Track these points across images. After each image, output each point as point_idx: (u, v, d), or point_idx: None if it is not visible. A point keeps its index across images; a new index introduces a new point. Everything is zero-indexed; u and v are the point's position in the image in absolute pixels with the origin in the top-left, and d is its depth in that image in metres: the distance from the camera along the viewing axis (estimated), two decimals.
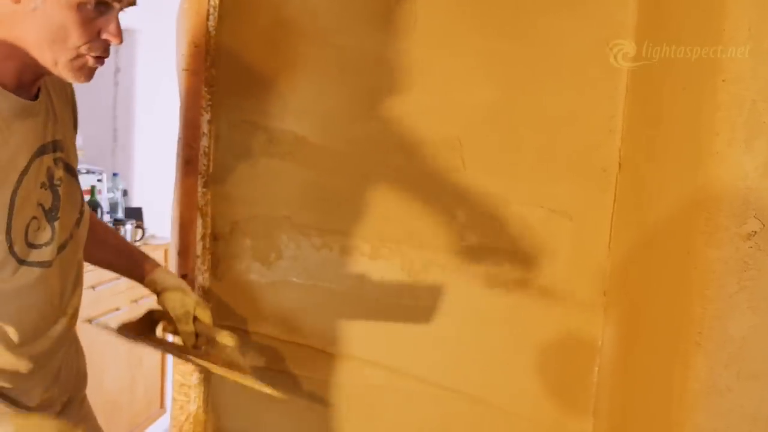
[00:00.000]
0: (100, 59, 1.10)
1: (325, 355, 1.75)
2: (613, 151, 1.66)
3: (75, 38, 1.05)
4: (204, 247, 1.69)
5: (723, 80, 1.14)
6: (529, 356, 1.72)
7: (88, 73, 1.11)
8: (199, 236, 1.68)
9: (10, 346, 1.14)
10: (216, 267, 1.73)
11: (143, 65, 4.17)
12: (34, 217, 1.13)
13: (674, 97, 1.36)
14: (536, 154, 1.68)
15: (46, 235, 1.15)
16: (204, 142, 1.68)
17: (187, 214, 1.69)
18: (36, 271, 1.15)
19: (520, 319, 1.72)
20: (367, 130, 1.69)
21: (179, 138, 1.71)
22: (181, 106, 1.72)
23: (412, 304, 1.74)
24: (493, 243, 1.70)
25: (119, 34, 1.10)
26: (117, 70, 4.17)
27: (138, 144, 4.24)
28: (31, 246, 1.13)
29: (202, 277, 1.69)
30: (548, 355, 1.72)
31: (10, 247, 1.09)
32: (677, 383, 1.21)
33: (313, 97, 1.70)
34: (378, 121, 1.69)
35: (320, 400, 1.77)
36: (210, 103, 1.68)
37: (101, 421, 1.50)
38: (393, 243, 1.72)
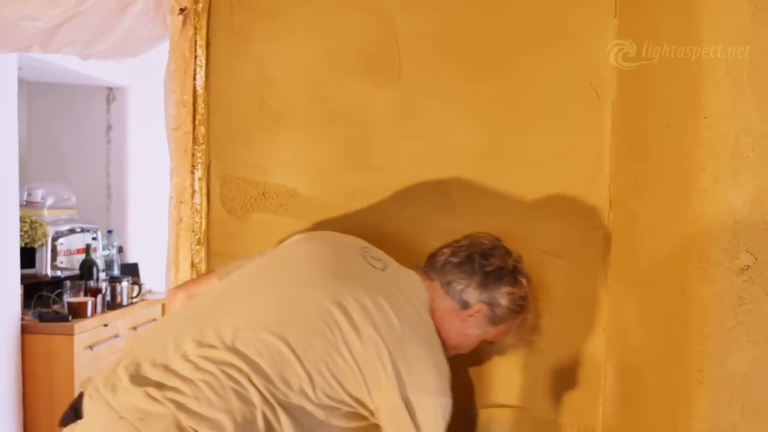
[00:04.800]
0: None
1: None
2: (603, 188, 1.67)
3: (464, 352, 1.52)
4: None
5: (705, 117, 1.15)
6: (534, 398, 1.71)
7: None
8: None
9: None
10: None
11: (135, 122, 4.20)
12: None
13: (658, 134, 1.37)
14: (526, 195, 1.69)
15: None
16: (196, 199, 1.69)
17: (182, 272, 1.69)
18: None
19: (523, 361, 1.70)
20: (358, 180, 1.71)
21: (170, 197, 1.71)
22: (171, 165, 1.73)
23: None
24: None
25: None
26: (109, 128, 4.20)
27: (132, 200, 4.25)
28: None
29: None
30: (552, 397, 1.70)
31: None
32: (682, 422, 1.19)
33: (302, 150, 1.72)
34: (368, 171, 1.70)
35: None
36: (200, 160, 1.69)
37: None
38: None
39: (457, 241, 1.51)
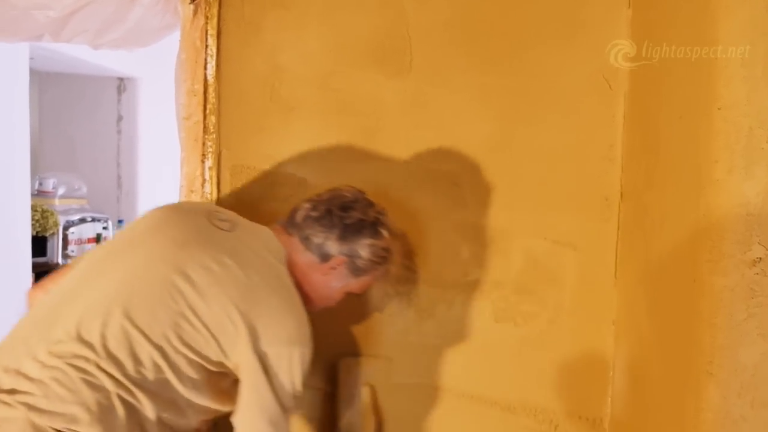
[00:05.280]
0: None
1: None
2: (615, 180, 1.66)
3: (331, 305, 1.52)
4: None
5: (718, 108, 1.15)
6: (541, 389, 1.71)
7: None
8: None
9: None
10: None
11: (145, 113, 4.22)
12: None
13: (671, 126, 1.36)
14: (537, 186, 1.68)
15: None
16: (206, 188, 1.69)
17: None
18: None
19: (531, 352, 1.70)
20: (368, 170, 1.70)
21: (181, 186, 1.72)
22: (181, 154, 1.74)
23: (421, 341, 1.73)
24: (498, 277, 1.70)
25: None
26: (120, 119, 4.22)
27: (142, 190, 4.27)
28: None
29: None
30: (560, 388, 1.70)
31: None
32: (690, 413, 1.19)
33: (312, 139, 1.72)
34: (378, 161, 1.70)
35: None
36: (210, 150, 1.70)
37: None
38: (399, 281, 1.72)
39: (318, 195, 1.49)
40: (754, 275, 1.11)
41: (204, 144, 1.70)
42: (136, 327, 1.24)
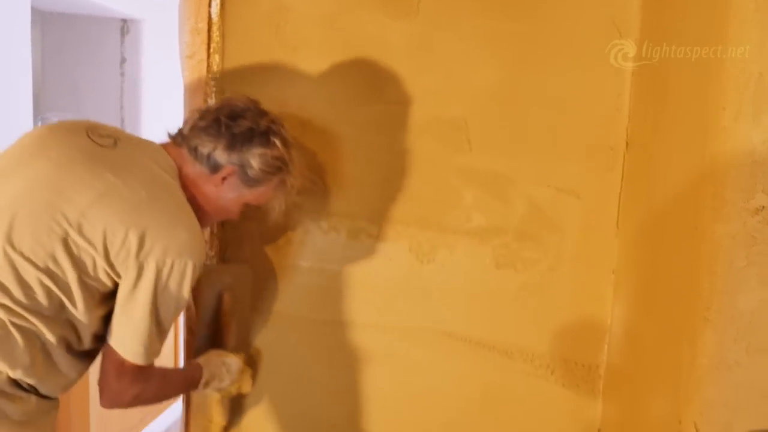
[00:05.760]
0: None
1: (334, 331, 1.77)
2: (621, 129, 1.65)
3: (232, 217, 1.53)
4: (212, 232, 1.70)
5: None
6: (539, 335, 1.73)
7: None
8: None
9: None
10: (224, 251, 1.74)
11: (149, 55, 4.17)
12: None
13: (680, 73, 1.34)
14: (543, 133, 1.67)
15: None
16: None
17: None
18: None
19: (530, 298, 1.72)
20: (372, 113, 1.69)
21: None
22: (185, 93, 1.73)
23: (421, 285, 1.74)
24: (500, 223, 1.70)
25: None
26: (123, 60, 4.17)
27: (146, 132, 4.25)
28: None
29: (210, 262, 1.70)
30: (558, 335, 1.72)
31: None
32: (686, 359, 1.20)
33: (317, 81, 1.70)
34: (383, 104, 1.69)
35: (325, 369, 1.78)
36: (214, 89, 1.68)
37: None
38: (400, 225, 1.72)
39: (208, 106, 1.47)
40: (756, 223, 1.11)
41: (207, 83, 1.69)
42: (20, 253, 1.24)
